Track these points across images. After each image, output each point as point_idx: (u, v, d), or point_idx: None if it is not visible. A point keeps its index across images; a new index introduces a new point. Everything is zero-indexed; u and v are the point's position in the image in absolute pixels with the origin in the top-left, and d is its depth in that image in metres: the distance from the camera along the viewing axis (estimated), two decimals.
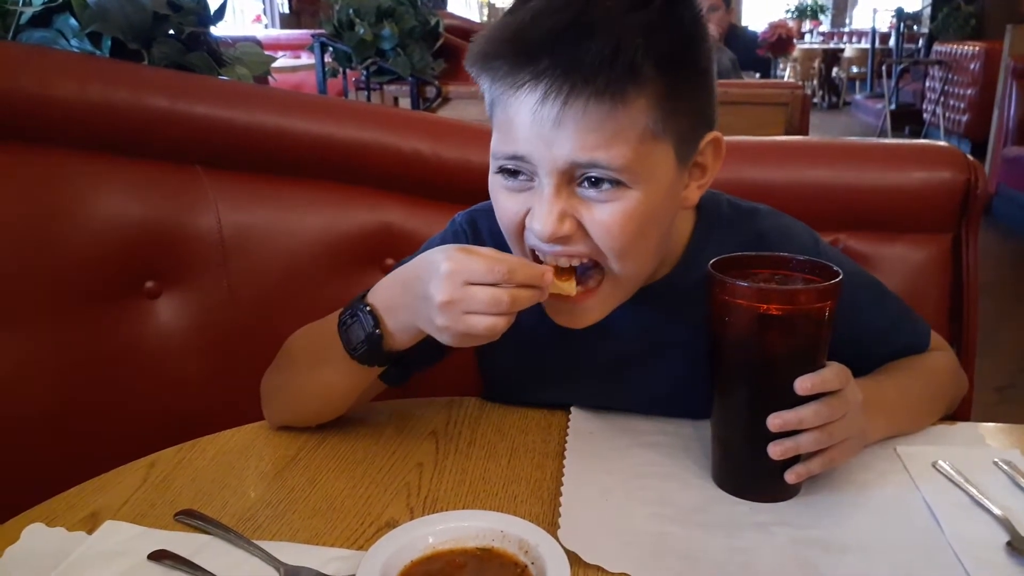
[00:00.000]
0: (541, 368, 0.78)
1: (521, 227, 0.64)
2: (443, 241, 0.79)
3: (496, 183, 0.66)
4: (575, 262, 0.64)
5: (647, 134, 0.60)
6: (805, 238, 0.77)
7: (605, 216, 0.61)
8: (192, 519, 0.61)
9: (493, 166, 0.66)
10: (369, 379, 0.71)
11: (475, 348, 0.76)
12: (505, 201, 0.65)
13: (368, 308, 0.65)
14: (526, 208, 0.63)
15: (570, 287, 0.63)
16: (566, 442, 0.71)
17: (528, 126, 0.60)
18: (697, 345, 0.66)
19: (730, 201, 0.77)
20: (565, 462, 0.68)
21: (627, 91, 0.58)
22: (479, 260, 0.58)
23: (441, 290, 0.59)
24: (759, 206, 0.78)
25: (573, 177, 0.61)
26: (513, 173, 0.63)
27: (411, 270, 0.64)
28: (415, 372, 0.76)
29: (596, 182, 0.61)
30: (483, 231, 0.78)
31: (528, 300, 0.59)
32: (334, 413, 0.75)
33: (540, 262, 0.64)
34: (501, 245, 0.75)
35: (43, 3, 0.99)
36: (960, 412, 1.02)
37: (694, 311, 0.66)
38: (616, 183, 0.61)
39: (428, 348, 0.70)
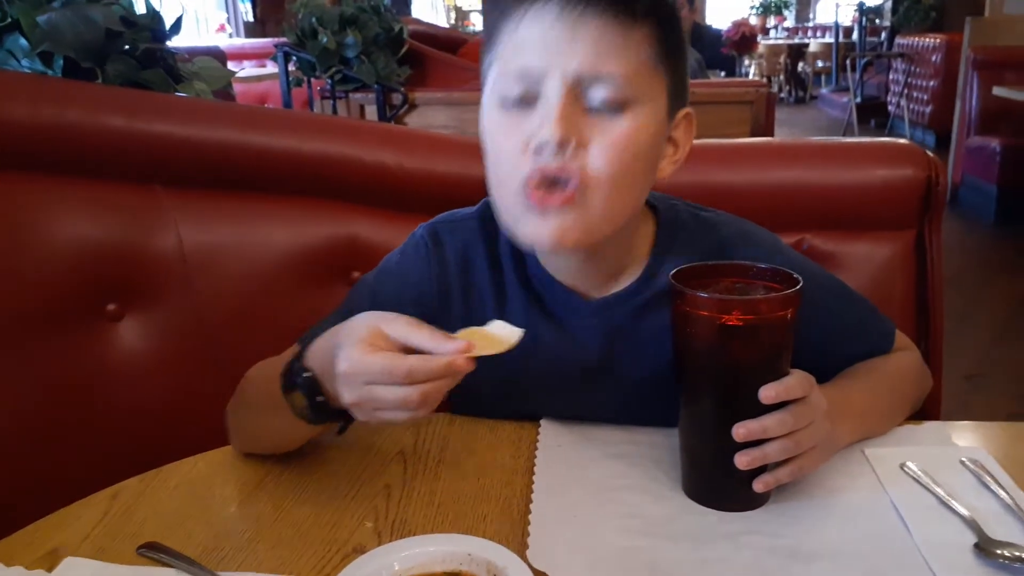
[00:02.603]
0: (507, 380, 0.76)
1: (518, 162, 0.64)
2: (403, 255, 0.78)
3: (493, 122, 0.67)
4: (567, 192, 0.63)
5: (646, 64, 0.65)
6: (767, 242, 0.78)
7: (604, 137, 0.64)
8: (155, 552, 0.59)
9: (491, 102, 0.67)
10: (321, 429, 0.68)
11: None
12: (504, 139, 0.66)
13: (307, 374, 0.62)
14: (526, 138, 0.64)
15: (504, 338, 0.58)
16: (535, 457, 0.71)
17: (541, 40, 0.64)
18: (662, 352, 0.67)
19: (688, 209, 0.78)
20: (534, 478, 0.67)
21: (635, 17, 0.63)
22: (376, 361, 0.55)
23: (345, 391, 0.57)
24: (718, 213, 0.79)
25: (578, 96, 0.63)
26: (515, 101, 0.65)
27: (332, 338, 0.61)
28: None
29: (598, 103, 0.64)
30: (446, 244, 0.77)
31: (442, 389, 0.56)
32: (294, 447, 0.73)
33: (538, 190, 0.64)
34: (466, 258, 0.77)
35: None
36: (929, 403, 1.03)
37: (658, 318, 0.67)
38: (616, 106, 0.64)
39: None
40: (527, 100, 0.65)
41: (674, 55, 0.68)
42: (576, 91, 0.63)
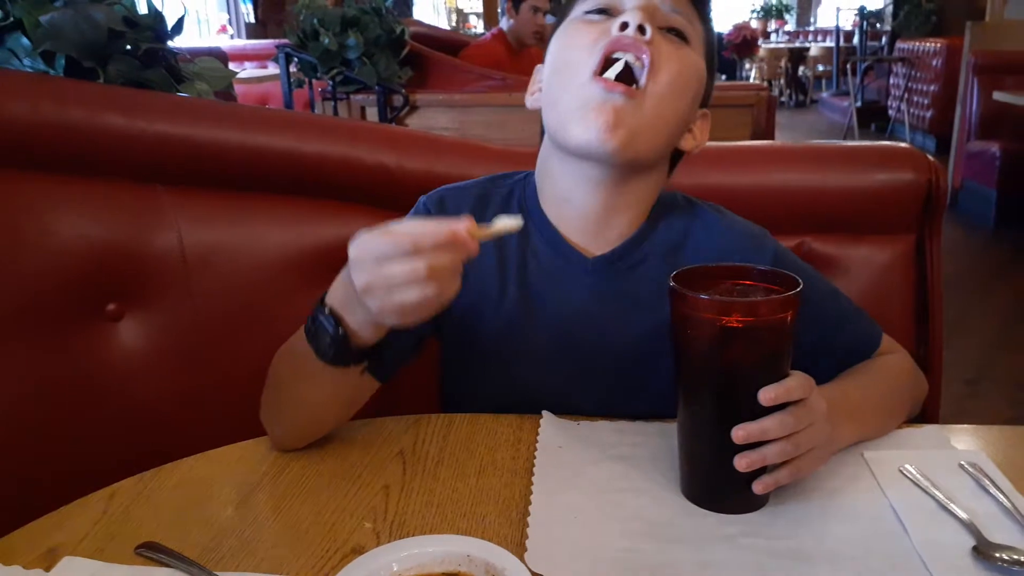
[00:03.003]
0: (505, 337, 0.80)
1: (592, 50, 0.72)
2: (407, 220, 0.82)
3: (576, 27, 0.76)
4: (641, 59, 0.71)
5: (701, 42, 0.77)
6: (750, 230, 0.83)
7: (672, 48, 0.73)
8: (154, 552, 0.59)
9: (574, 17, 0.76)
10: (351, 381, 0.71)
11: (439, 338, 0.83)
12: (580, 36, 0.74)
13: (328, 310, 0.65)
14: (604, 28, 0.72)
15: (500, 227, 0.61)
16: (535, 458, 0.71)
17: None
18: (648, 314, 0.76)
19: (685, 196, 0.85)
20: (533, 480, 0.67)
21: (699, 12, 0.77)
22: (383, 238, 0.58)
23: (358, 277, 0.59)
24: (709, 203, 0.86)
25: (654, 17, 0.72)
26: (596, 11, 0.74)
27: (346, 270, 0.65)
28: (399, 366, 0.79)
29: (670, 24, 0.74)
30: (448, 205, 0.81)
31: (450, 263, 0.58)
32: (334, 421, 0.75)
33: (606, 69, 0.71)
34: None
35: None
36: (929, 407, 1.04)
37: (646, 279, 0.77)
38: (682, 37, 0.74)
39: (403, 341, 0.74)
40: (608, 11, 0.74)
41: (711, 61, 0.79)
42: (654, 13, 0.73)
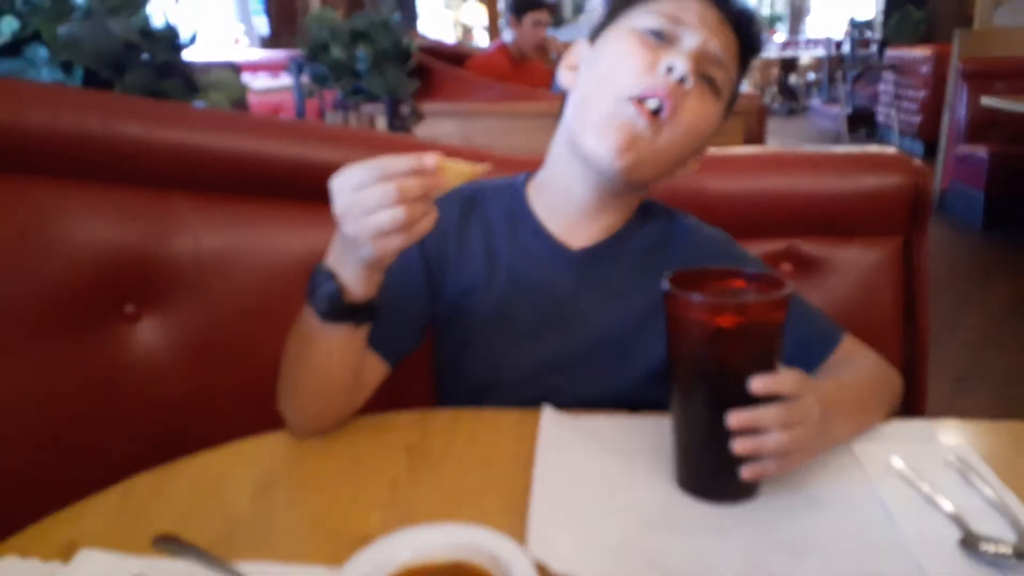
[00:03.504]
0: (494, 318, 0.84)
1: (641, 76, 0.75)
2: None
3: (623, 41, 0.78)
4: (658, 118, 0.76)
5: (733, 89, 0.82)
6: (720, 235, 0.90)
7: (700, 97, 0.77)
8: (169, 544, 0.59)
9: (624, 29, 0.79)
10: (354, 345, 0.74)
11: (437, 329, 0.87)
12: (634, 55, 0.77)
13: (324, 268, 0.70)
14: (654, 59, 0.76)
15: (468, 168, 0.65)
16: (536, 451, 0.72)
17: (699, 10, 0.78)
18: (623, 300, 0.83)
19: (663, 204, 0.92)
20: (534, 472, 0.68)
21: (747, 57, 0.82)
22: (356, 166, 0.62)
23: (336, 205, 0.63)
24: (683, 212, 0.93)
25: (700, 64, 0.76)
26: (654, 32, 0.77)
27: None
28: (405, 350, 0.84)
29: (708, 77, 0.77)
30: (444, 200, 0.86)
31: (418, 187, 0.61)
32: (344, 397, 0.77)
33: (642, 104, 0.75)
34: (461, 214, 0.88)
35: (12, 33, 1.00)
36: (916, 404, 1.07)
37: (625, 273, 0.85)
38: (715, 89, 0.78)
39: (406, 324, 0.83)
40: (664, 37, 0.77)
41: (731, 103, 0.83)
42: (704, 58, 0.76)
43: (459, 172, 0.64)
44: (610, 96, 0.76)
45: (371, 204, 0.61)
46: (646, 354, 0.82)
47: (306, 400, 0.76)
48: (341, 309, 0.70)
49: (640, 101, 0.75)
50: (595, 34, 0.83)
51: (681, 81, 0.74)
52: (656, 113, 0.75)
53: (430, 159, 0.61)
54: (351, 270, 0.68)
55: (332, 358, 0.74)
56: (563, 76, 0.85)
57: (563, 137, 0.84)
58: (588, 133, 0.78)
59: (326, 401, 0.77)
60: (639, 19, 0.78)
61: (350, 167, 0.62)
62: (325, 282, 0.69)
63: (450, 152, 1.07)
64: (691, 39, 0.77)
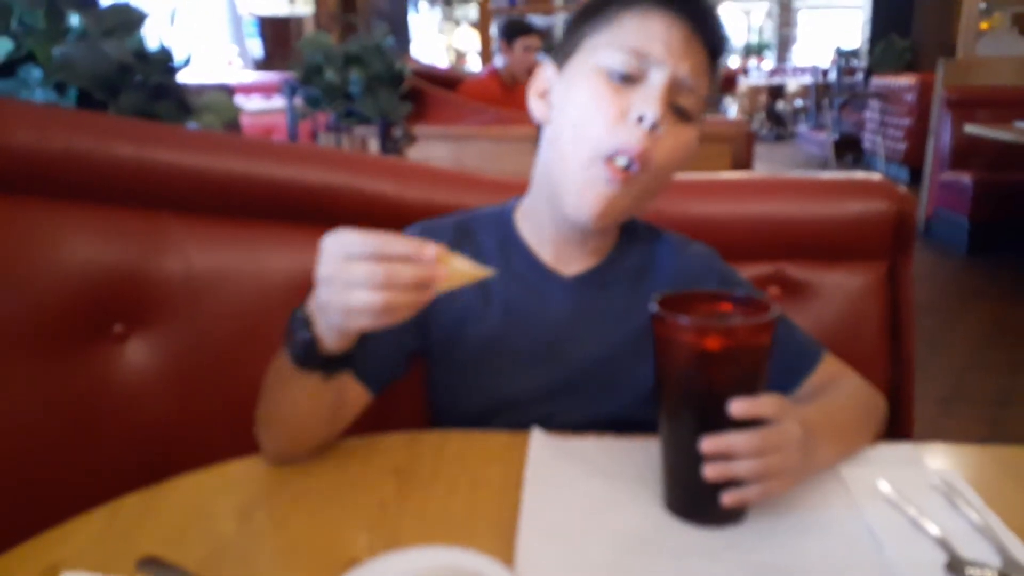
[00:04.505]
0: (487, 349, 0.84)
1: (613, 130, 0.74)
2: None
3: (590, 87, 0.76)
4: (630, 172, 0.74)
5: (706, 100, 0.78)
6: (705, 251, 0.91)
7: (674, 134, 0.76)
8: (154, 566, 0.59)
9: (588, 68, 0.76)
10: (330, 386, 0.72)
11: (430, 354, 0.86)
12: (601, 105, 0.75)
13: (302, 314, 0.68)
14: (627, 106, 0.74)
15: (471, 269, 0.61)
16: (525, 474, 0.72)
17: (663, 36, 0.74)
18: (619, 328, 0.83)
19: (646, 223, 0.92)
20: (523, 494, 0.68)
21: (714, 59, 0.78)
22: (355, 235, 0.58)
23: (322, 266, 0.60)
24: (667, 230, 0.93)
25: (671, 94, 0.75)
26: (621, 75, 0.74)
27: None
28: (390, 379, 0.83)
29: (680, 107, 0.76)
30: (435, 232, 0.87)
31: (409, 275, 0.57)
32: (322, 432, 0.76)
33: (615, 165, 0.74)
34: (452, 245, 0.86)
35: (6, 53, 1.01)
36: (902, 427, 1.07)
37: (617, 297, 0.85)
38: (688, 117, 0.76)
39: (390, 352, 0.81)
40: (631, 78, 0.75)
41: (706, 109, 0.81)
42: (673, 89, 0.75)
43: (460, 271, 0.60)
44: (584, 153, 0.75)
45: (354, 280, 0.58)
46: (640, 377, 0.81)
47: (280, 432, 0.76)
48: (315, 359, 0.68)
49: (612, 159, 0.74)
50: (560, 58, 0.81)
51: (653, 128, 0.73)
52: (628, 168, 0.74)
53: (431, 250, 0.58)
54: (325, 325, 0.66)
55: (307, 397, 0.73)
56: (535, 106, 0.84)
57: (543, 175, 0.84)
58: (567, 194, 0.78)
59: (301, 434, 0.76)
60: (605, 55, 0.76)
61: (346, 232, 0.59)
62: (301, 329, 0.67)
63: (439, 176, 1.10)
64: (658, 74, 0.74)
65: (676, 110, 0.76)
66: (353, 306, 0.58)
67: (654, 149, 0.74)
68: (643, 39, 0.74)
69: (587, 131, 0.75)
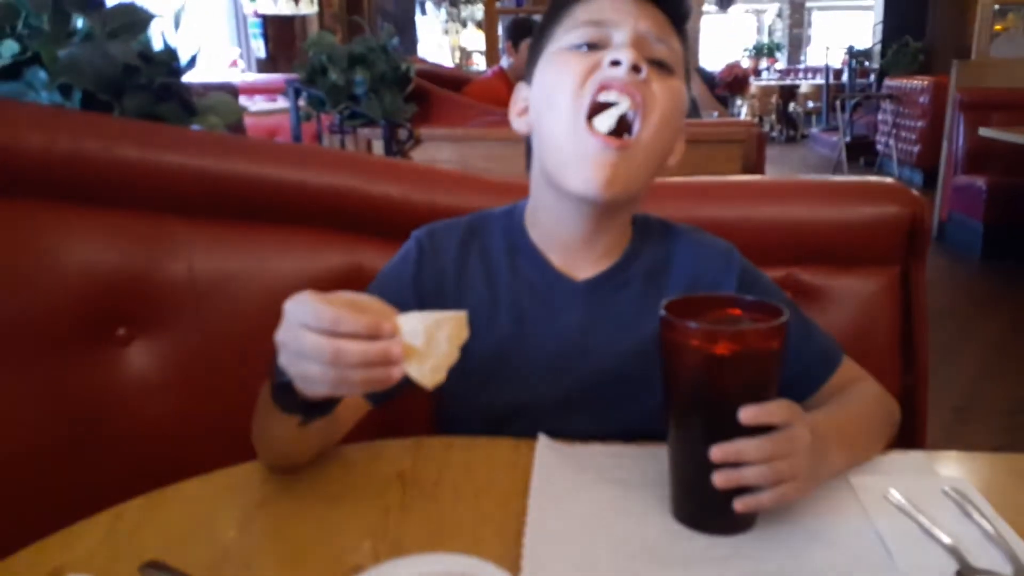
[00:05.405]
0: (496, 357, 0.82)
1: (584, 80, 0.72)
2: (397, 260, 0.86)
3: (562, 58, 0.75)
4: (633, 104, 0.72)
5: (681, 62, 0.77)
6: (719, 245, 0.87)
7: (659, 94, 0.73)
8: (157, 571, 0.59)
9: (560, 48, 0.76)
10: (312, 426, 0.70)
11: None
12: (574, 61, 0.74)
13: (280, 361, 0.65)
14: (594, 62, 0.73)
15: (430, 356, 0.57)
16: (531, 481, 0.71)
17: (612, 5, 0.75)
18: (634, 330, 0.79)
19: (660, 219, 0.89)
20: (530, 501, 0.68)
21: (677, 24, 0.78)
22: (313, 305, 0.56)
23: (280, 330, 0.59)
24: (682, 225, 0.89)
25: (642, 49, 0.73)
26: (583, 46, 0.74)
27: None
28: (394, 395, 0.78)
29: (657, 58, 0.74)
30: (442, 238, 0.85)
31: (357, 355, 0.54)
32: (314, 448, 0.75)
33: (599, 111, 0.72)
34: (460, 253, 0.85)
35: (12, 56, 1.01)
36: (916, 434, 1.06)
37: (632, 299, 0.81)
38: (668, 69, 0.75)
39: None
40: (595, 46, 0.74)
41: (687, 73, 0.80)
42: (641, 43, 0.73)
43: (423, 337, 0.56)
44: (566, 126, 0.73)
45: (304, 351, 0.55)
46: (655, 385, 0.78)
47: (270, 452, 0.75)
48: (291, 402, 0.65)
49: (594, 114, 0.71)
50: (530, 71, 0.81)
51: (636, 70, 0.71)
52: (622, 131, 0.72)
53: (388, 327, 0.55)
54: None
55: (292, 430, 0.71)
56: (517, 124, 0.83)
57: (540, 180, 0.81)
58: (567, 174, 0.75)
59: (291, 455, 0.75)
60: (564, 39, 0.76)
61: (306, 298, 0.57)
62: (280, 375, 0.63)
63: (445, 178, 1.09)
64: (621, 34, 0.74)
65: (654, 63, 0.74)
66: (307, 375, 0.57)
67: (651, 98, 0.72)
68: (596, 12, 0.76)
69: (560, 102, 0.74)
